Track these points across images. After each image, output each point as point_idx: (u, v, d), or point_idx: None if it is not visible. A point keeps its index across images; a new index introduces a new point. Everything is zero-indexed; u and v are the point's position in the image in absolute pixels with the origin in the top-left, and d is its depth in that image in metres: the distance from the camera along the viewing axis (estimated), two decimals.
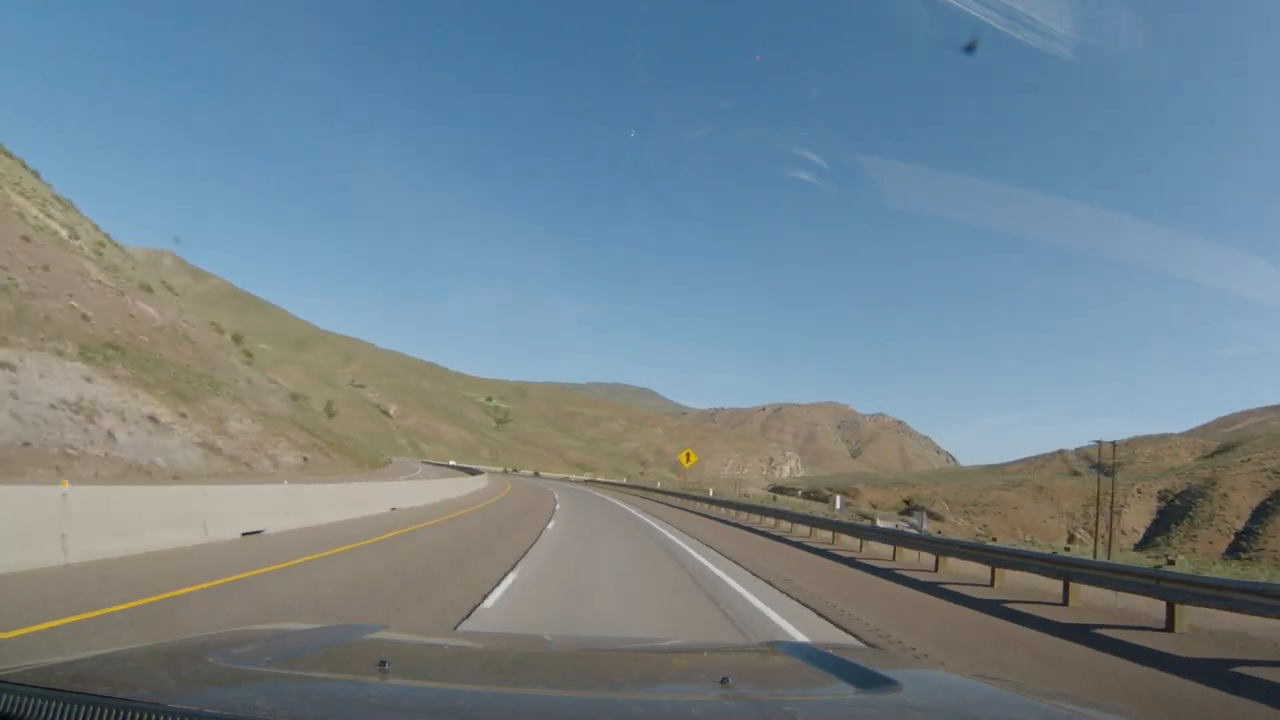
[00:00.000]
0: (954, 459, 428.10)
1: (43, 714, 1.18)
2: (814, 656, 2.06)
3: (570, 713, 1.47)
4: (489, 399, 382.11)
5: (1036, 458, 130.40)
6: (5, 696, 1.22)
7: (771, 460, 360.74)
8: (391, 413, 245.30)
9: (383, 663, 1.64)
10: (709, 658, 2.58)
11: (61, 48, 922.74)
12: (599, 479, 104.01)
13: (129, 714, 1.16)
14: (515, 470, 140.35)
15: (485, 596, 8.01)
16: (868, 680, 1.64)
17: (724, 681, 1.59)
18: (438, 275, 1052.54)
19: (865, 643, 6.93)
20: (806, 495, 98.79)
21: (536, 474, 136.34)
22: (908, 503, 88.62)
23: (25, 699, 1.21)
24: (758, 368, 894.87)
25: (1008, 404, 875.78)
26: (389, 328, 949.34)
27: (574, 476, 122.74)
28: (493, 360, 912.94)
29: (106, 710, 1.17)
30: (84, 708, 1.18)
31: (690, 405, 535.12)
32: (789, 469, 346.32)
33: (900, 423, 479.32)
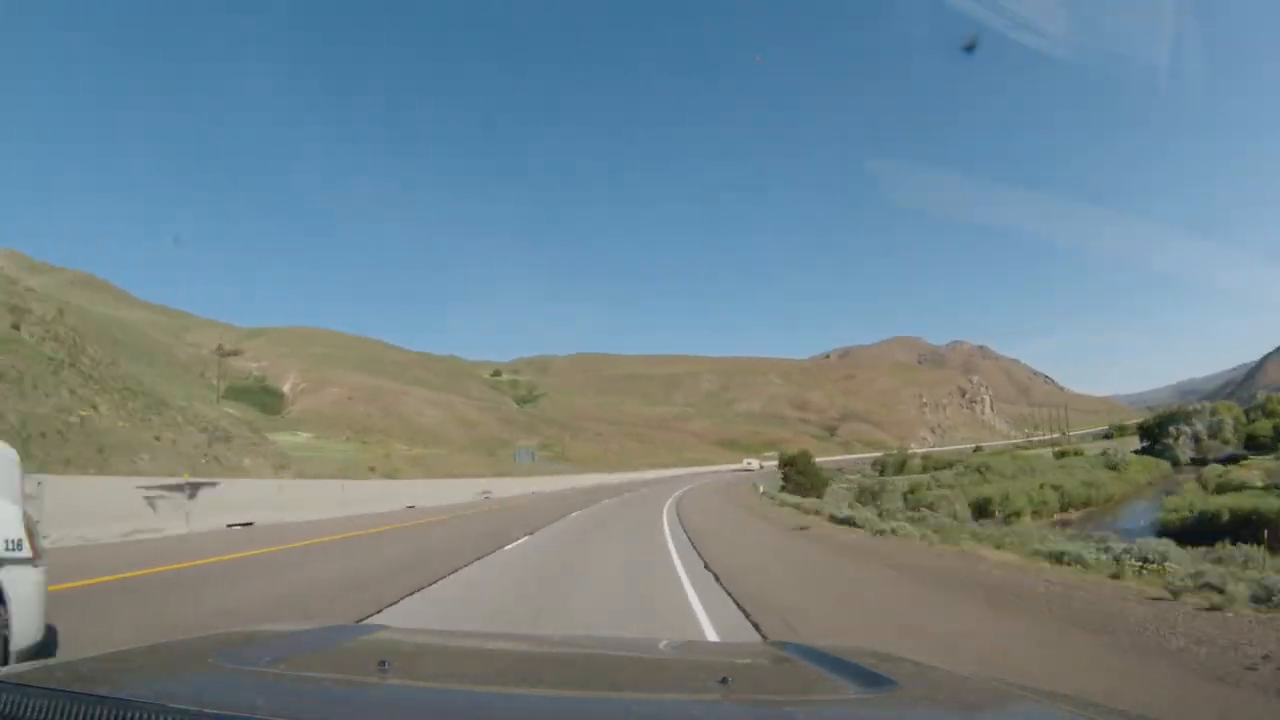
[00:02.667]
0: (1052, 381, 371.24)
1: (43, 714, 1.17)
2: (814, 656, 2.04)
3: (571, 713, 1.46)
4: (496, 374, 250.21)
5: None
6: (5, 696, 1.22)
7: (964, 393, 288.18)
8: (286, 390, 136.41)
9: (383, 662, 1.64)
10: (709, 658, 2.58)
11: None
12: None
13: (129, 714, 1.15)
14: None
15: None
16: (868, 680, 1.62)
17: (724, 681, 1.58)
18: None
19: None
20: None
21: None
22: None
23: (26, 699, 1.21)
24: (799, 314, 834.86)
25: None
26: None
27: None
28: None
29: (106, 710, 1.16)
30: (84, 708, 1.17)
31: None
32: (988, 406, 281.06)
33: (981, 347, 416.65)
